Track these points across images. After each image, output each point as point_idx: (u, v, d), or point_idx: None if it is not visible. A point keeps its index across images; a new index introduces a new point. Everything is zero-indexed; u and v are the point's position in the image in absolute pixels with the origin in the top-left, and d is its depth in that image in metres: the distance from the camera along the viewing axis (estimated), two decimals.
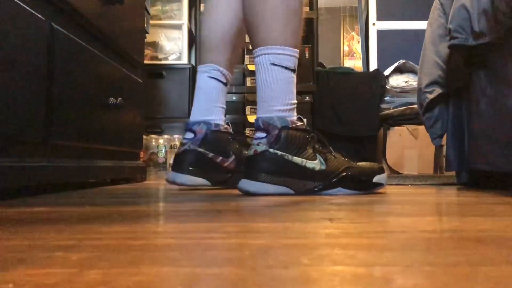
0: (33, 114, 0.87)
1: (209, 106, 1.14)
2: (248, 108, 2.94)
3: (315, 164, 0.91)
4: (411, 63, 3.08)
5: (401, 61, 3.12)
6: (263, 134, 0.91)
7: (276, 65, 0.92)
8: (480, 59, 1.13)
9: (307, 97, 2.98)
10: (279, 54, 0.92)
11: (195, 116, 1.14)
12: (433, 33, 1.30)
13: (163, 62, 3.00)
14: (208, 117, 1.13)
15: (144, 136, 1.96)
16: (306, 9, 3.05)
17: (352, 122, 2.89)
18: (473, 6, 1.07)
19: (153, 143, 2.30)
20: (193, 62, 3.12)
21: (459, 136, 1.27)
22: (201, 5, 3.02)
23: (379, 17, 3.60)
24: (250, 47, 1.00)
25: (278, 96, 0.92)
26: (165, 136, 2.38)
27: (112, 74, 1.30)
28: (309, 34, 3.08)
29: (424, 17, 1.54)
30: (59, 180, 0.98)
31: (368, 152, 2.89)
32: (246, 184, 0.90)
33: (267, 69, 0.93)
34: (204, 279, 0.27)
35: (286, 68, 0.93)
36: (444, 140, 1.36)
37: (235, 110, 3.02)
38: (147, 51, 2.90)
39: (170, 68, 2.96)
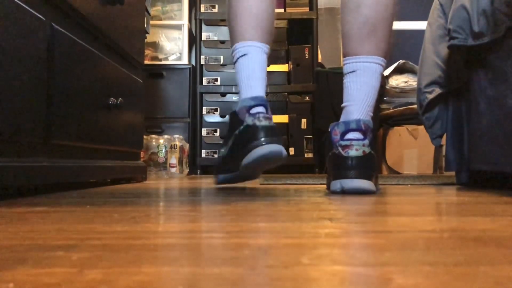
0: (33, 114, 0.87)
1: (264, 83, 1.09)
2: None
3: None
4: (410, 63, 3.08)
5: (401, 61, 3.12)
6: (359, 135, 0.95)
7: (380, 75, 1.02)
8: (480, 59, 1.13)
9: (307, 97, 2.98)
10: (383, 66, 1.02)
11: (261, 91, 1.06)
12: (432, 33, 1.30)
13: (163, 62, 3.00)
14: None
15: (144, 136, 1.96)
16: (306, 9, 3.05)
17: None
18: (473, 7, 1.07)
19: (153, 143, 2.30)
20: (193, 62, 3.12)
21: (459, 136, 1.28)
22: (201, 5, 3.02)
23: None
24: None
25: (374, 103, 1.01)
26: (165, 136, 2.38)
27: (112, 74, 1.30)
28: (309, 34, 3.08)
29: (423, 17, 1.54)
30: (59, 180, 0.98)
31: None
32: (363, 183, 0.92)
33: (377, 78, 1.00)
34: (204, 279, 0.27)
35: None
36: (443, 140, 1.36)
37: None
38: (147, 51, 2.90)
39: (170, 68, 2.96)
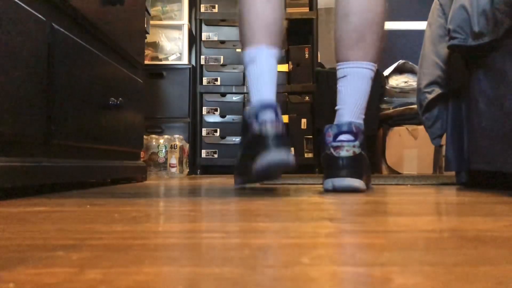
0: (34, 114, 0.87)
1: (274, 87, 1.10)
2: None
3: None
4: (410, 63, 3.08)
5: (401, 61, 3.11)
6: (351, 137, 0.99)
7: (371, 79, 1.07)
8: (480, 59, 1.13)
9: (307, 97, 2.98)
10: (374, 70, 1.07)
11: (270, 94, 1.07)
12: (432, 33, 1.30)
13: (163, 62, 3.00)
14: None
15: (145, 136, 1.96)
16: (306, 9, 3.05)
17: None
18: (473, 7, 1.07)
19: (154, 143, 2.30)
20: (193, 62, 3.12)
21: (459, 136, 1.27)
22: (201, 5, 3.02)
23: None
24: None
25: (365, 106, 1.06)
26: (166, 136, 2.38)
27: (113, 74, 1.30)
28: (309, 34, 3.08)
29: (423, 17, 1.54)
30: (59, 180, 0.98)
31: (367, 152, 2.90)
32: (353, 181, 0.96)
33: (367, 82, 1.06)
34: (204, 278, 0.27)
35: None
36: (443, 140, 1.36)
37: (235, 110, 3.02)
38: (147, 51, 2.90)
39: (170, 68, 2.96)
